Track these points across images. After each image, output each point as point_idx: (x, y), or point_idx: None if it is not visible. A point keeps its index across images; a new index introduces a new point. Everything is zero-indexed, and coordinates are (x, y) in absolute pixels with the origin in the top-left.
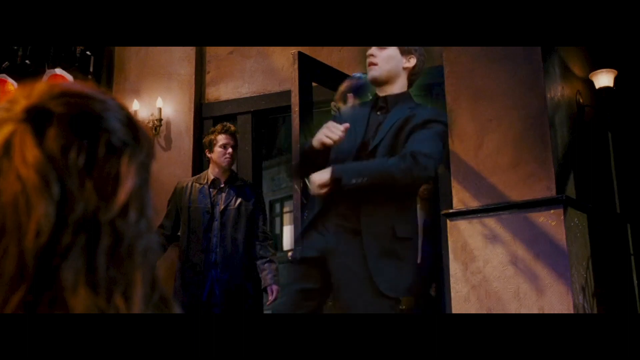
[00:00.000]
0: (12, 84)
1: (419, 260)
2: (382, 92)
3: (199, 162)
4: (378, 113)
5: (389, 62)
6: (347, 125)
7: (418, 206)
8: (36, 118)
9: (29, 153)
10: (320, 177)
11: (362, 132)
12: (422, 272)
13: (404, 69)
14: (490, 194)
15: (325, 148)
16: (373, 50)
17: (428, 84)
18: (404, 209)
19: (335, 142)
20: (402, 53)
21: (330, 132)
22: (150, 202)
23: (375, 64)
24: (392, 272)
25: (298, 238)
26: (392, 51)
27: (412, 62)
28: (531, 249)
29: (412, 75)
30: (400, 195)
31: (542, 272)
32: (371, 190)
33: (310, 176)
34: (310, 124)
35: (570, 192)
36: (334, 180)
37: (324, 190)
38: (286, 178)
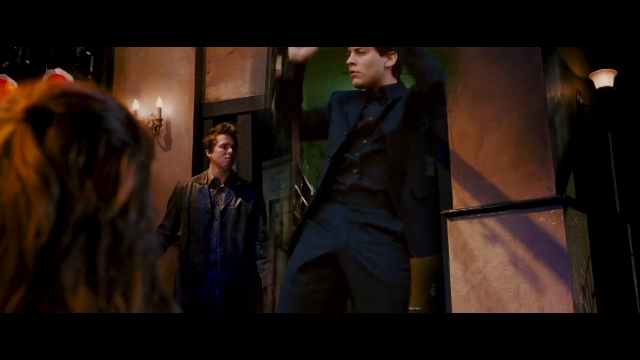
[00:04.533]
0: (12, 84)
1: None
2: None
3: (199, 162)
4: (375, 102)
5: (370, 68)
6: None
7: None
8: (36, 118)
9: (29, 153)
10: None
11: (354, 119)
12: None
13: (387, 67)
14: (490, 194)
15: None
16: (352, 58)
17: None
18: (417, 169)
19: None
20: (382, 54)
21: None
22: (150, 202)
23: (357, 72)
24: (418, 234)
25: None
26: (371, 56)
27: (394, 59)
28: (531, 249)
29: (395, 70)
30: (413, 155)
31: (542, 272)
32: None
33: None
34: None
35: (570, 192)
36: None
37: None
38: (286, 178)
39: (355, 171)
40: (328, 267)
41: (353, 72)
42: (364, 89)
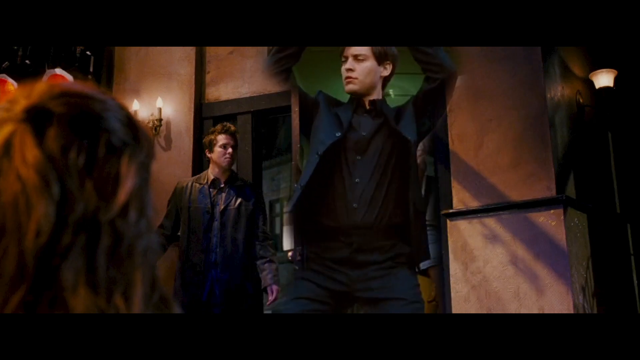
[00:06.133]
0: (12, 84)
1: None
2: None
3: (199, 162)
4: (366, 115)
5: (368, 76)
6: None
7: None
8: (36, 118)
9: (29, 153)
10: None
11: (342, 128)
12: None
13: (381, 77)
14: (490, 194)
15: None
16: (350, 64)
17: None
18: (416, 183)
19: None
20: (380, 62)
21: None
22: (150, 202)
23: (354, 78)
24: (420, 245)
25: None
26: (370, 63)
27: (389, 69)
28: (531, 249)
29: (386, 82)
30: (413, 170)
31: (542, 272)
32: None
33: None
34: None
35: (570, 192)
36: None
37: None
38: (286, 178)
39: (355, 205)
40: (332, 305)
41: (350, 78)
42: (350, 97)
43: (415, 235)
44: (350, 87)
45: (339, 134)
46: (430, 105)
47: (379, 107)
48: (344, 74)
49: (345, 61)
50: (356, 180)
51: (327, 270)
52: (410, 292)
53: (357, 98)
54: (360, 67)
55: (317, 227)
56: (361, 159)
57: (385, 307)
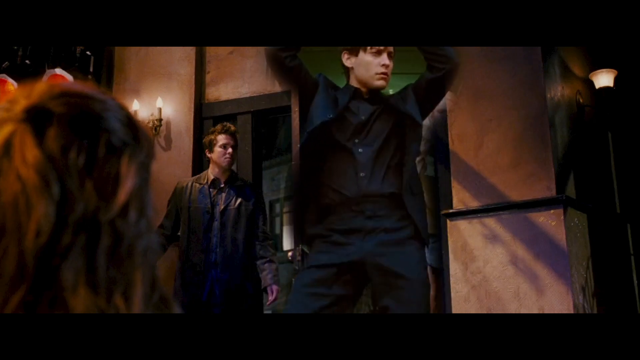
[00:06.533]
0: (12, 84)
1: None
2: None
3: (199, 162)
4: (365, 102)
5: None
6: None
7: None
8: (36, 118)
9: (29, 153)
10: None
11: (335, 110)
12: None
13: None
14: (490, 194)
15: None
16: (386, 59)
17: None
18: (413, 167)
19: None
20: (391, 59)
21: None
22: (150, 202)
23: (387, 76)
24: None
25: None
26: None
27: (391, 65)
28: (531, 249)
29: None
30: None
31: (542, 272)
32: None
33: None
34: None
35: (570, 192)
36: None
37: None
38: (286, 178)
39: (362, 174)
40: (348, 274)
41: (385, 74)
42: (347, 84)
43: (416, 211)
44: (382, 82)
45: (332, 115)
46: (433, 94)
47: (376, 94)
48: (379, 69)
49: (379, 55)
50: (360, 150)
51: (335, 248)
52: (416, 269)
53: (354, 86)
54: (391, 64)
55: (324, 204)
56: (363, 140)
57: (394, 282)
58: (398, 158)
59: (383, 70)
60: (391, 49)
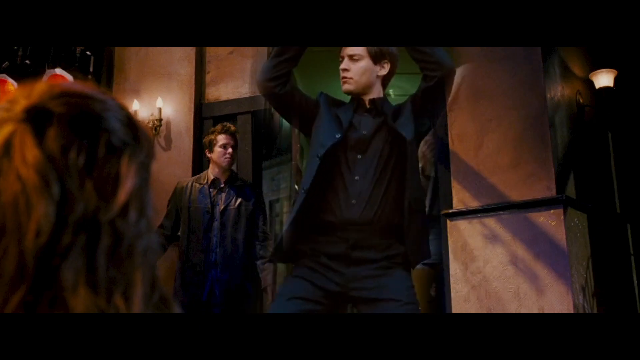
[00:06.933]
0: (12, 84)
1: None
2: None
3: (199, 162)
4: (366, 114)
5: (363, 75)
6: None
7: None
8: (36, 118)
9: (29, 153)
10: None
11: (341, 129)
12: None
13: (378, 76)
14: (490, 194)
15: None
16: (345, 64)
17: None
18: (414, 181)
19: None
20: (376, 62)
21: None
22: (150, 202)
23: (349, 78)
24: (414, 243)
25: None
26: (365, 63)
27: (387, 68)
28: (531, 249)
29: (385, 80)
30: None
31: (542, 272)
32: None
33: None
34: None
35: (570, 192)
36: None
37: None
38: (286, 178)
39: (353, 201)
40: (327, 305)
41: (345, 77)
42: (351, 97)
43: (412, 235)
44: (346, 87)
45: (339, 135)
46: (430, 104)
47: (379, 106)
48: (341, 74)
49: (342, 61)
50: (356, 177)
51: (322, 268)
52: (405, 293)
53: (357, 97)
54: (355, 66)
55: (314, 222)
56: (362, 158)
57: (379, 307)
58: (398, 180)
59: (342, 74)
60: (352, 51)
